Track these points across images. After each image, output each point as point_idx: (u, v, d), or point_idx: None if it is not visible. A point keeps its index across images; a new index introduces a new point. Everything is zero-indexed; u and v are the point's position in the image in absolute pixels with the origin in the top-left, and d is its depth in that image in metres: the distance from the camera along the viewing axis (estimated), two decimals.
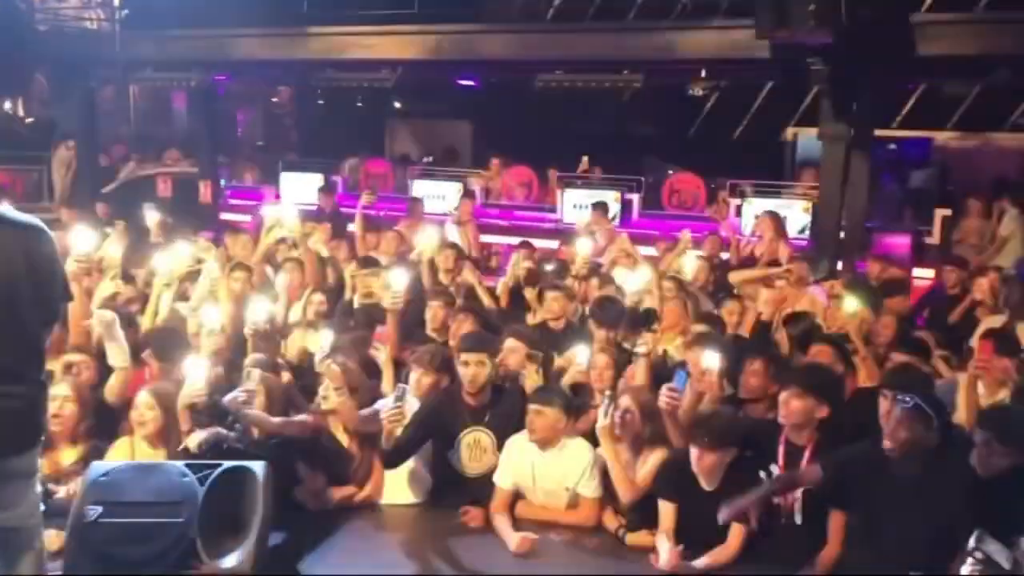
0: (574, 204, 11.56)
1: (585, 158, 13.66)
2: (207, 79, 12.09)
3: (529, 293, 6.53)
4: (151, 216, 8.13)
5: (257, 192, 13.40)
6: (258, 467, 3.52)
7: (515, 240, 8.74)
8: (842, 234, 9.34)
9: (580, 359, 4.76)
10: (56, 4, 12.38)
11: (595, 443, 4.16)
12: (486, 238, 10.43)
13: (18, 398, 2.85)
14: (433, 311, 5.74)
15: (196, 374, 4.09)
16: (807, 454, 3.86)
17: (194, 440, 3.92)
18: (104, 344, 4.55)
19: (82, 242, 4.85)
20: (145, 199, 9.58)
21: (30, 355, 2.92)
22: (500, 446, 4.31)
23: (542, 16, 12.47)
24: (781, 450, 3.92)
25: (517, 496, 4.22)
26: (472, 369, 4.34)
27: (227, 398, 4.12)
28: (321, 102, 18.04)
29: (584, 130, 15.61)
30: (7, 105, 14.72)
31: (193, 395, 4.05)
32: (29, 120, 14.60)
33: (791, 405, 3.87)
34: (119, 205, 9.92)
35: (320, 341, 5.04)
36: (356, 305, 6.42)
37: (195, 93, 12.95)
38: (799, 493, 3.81)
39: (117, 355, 4.48)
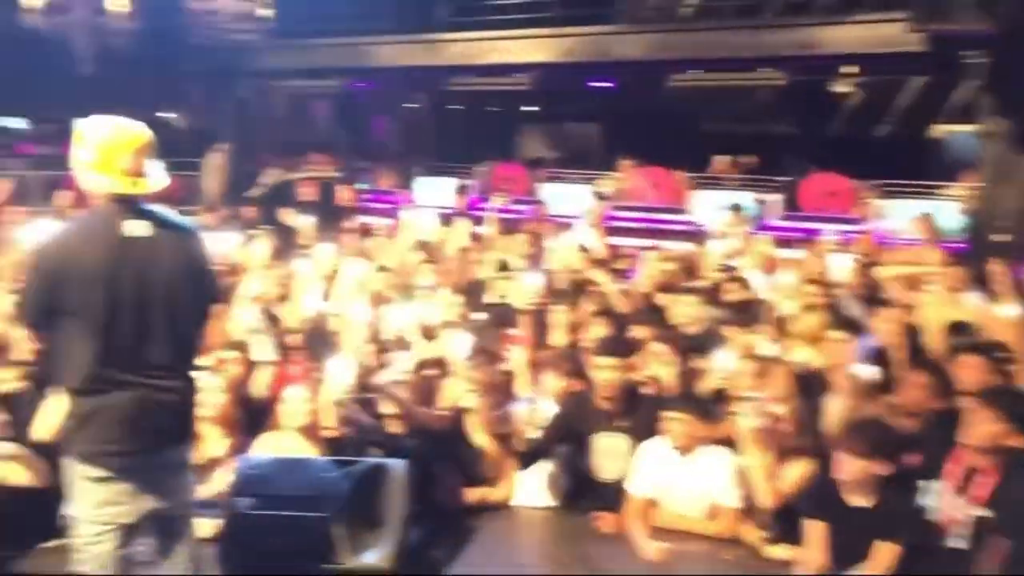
0: (708, 205, 11.31)
1: (724, 158, 13.34)
2: (347, 86, 12.48)
3: (663, 297, 6.41)
4: (298, 219, 8.41)
5: (395, 196, 13.73)
6: (399, 465, 3.59)
7: (646, 243, 8.61)
8: (1001, 237, 8.78)
9: (720, 365, 4.63)
10: (209, 19, 13.08)
11: (734, 451, 4.04)
12: (616, 240, 10.32)
13: (175, 392, 3.00)
14: (563, 314, 5.72)
15: (341, 371, 4.21)
16: (986, 481, 3.51)
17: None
18: (248, 341, 4.74)
19: (226, 244, 5.10)
20: (290, 203, 9.94)
21: (186, 352, 3.07)
22: (634, 451, 4.24)
23: (676, 15, 12.24)
24: (957, 471, 3.59)
25: (651, 503, 4.15)
26: (607, 373, 4.30)
27: (380, 379, 4.22)
28: (456, 106, 18.33)
29: (718, 130, 15.21)
30: (166, 114, 15.65)
31: (338, 392, 4.17)
32: (185, 128, 15.49)
33: (983, 429, 3.50)
34: (266, 208, 10.33)
35: (458, 342, 5.11)
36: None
37: (336, 99, 13.39)
38: (963, 516, 3.56)
39: (263, 350, 4.67)
